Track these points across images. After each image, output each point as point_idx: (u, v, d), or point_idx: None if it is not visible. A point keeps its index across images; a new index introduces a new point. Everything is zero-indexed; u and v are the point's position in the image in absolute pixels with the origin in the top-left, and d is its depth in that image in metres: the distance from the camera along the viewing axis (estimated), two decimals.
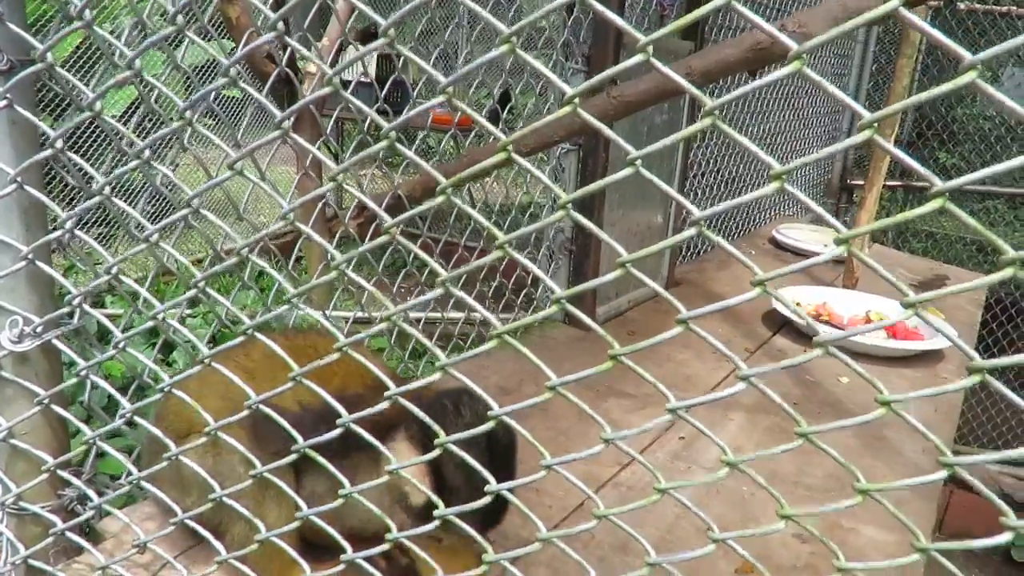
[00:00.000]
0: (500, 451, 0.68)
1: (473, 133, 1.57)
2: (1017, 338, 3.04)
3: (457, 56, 3.38)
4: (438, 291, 0.53)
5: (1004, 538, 0.44)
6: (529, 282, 1.62)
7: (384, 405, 0.54)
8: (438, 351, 0.55)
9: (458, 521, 0.55)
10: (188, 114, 0.55)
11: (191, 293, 0.58)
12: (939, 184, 0.40)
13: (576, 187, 1.44)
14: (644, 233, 1.70)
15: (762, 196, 0.44)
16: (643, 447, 1.11)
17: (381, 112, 1.30)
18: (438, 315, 1.55)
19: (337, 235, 1.12)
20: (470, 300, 0.55)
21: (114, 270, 0.61)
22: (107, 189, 0.59)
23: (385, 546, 0.60)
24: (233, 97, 3.60)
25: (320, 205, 1.11)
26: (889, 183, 3.39)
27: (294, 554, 0.64)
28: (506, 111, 1.59)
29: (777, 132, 2.67)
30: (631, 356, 0.50)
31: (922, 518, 1.01)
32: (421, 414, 0.54)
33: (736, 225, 2.62)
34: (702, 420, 0.52)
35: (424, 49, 3.20)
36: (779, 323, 1.63)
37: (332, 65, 1.33)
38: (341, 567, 0.62)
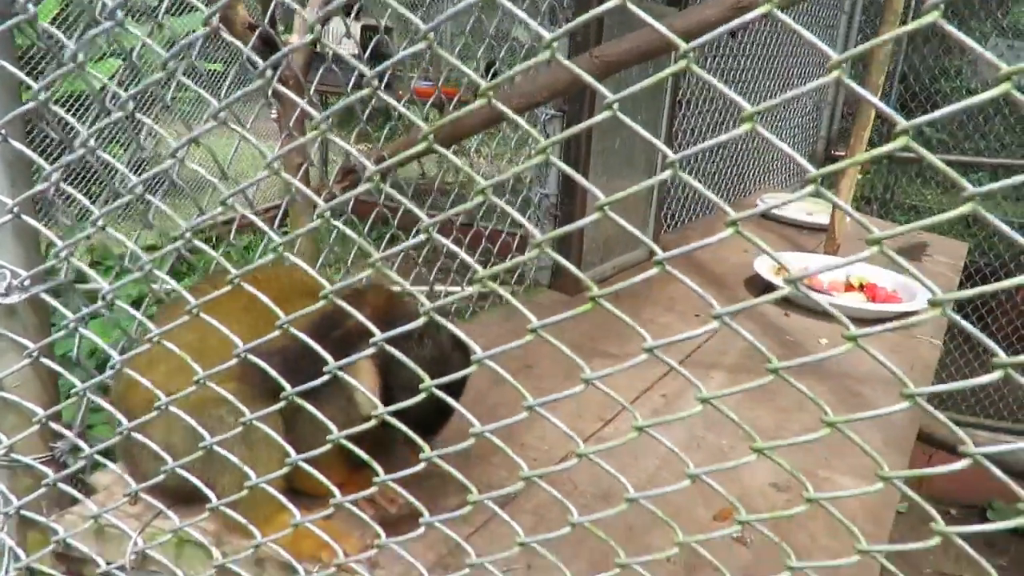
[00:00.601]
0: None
1: (455, 101, 1.57)
2: (996, 306, 3.10)
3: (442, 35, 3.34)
4: (421, 237, 0.54)
5: (962, 464, 0.46)
6: (515, 248, 1.63)
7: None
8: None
9: (395, 421, 0.58)
10: (171, 64, 0.55)
11: (179, 243, 0.59)
12: (903, 123, 0.41)
13: (561, 153, 1.45)
14: (628, 200, 1.71)
15: (737, 136, 0.45)
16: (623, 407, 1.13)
17: (361, 85, 1.29)
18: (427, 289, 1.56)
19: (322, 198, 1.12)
20: (451, 245, 0.56)
21: (100, 222, 0.61)
22: (91, 141, 0.59)
23: (373, 489, 0.62)
24: (215, 72, 3.56)
25: (303, 171, 1.11)
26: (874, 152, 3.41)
27: (283, 500, 0.66)
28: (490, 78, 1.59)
29: (762, 101, 2.68)
30: (599, 318, 0.51)
31: (895, 469, 1.04)
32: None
33: (720, 194, 2.64)
34: (682, 380, 0.53)
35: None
36: (760, 288, 1.66)
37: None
38: (331, 511, 0.64)
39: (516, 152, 2.20)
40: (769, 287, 1.61)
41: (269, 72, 0.54)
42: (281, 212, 1.12)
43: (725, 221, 0.47)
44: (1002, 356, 0.42)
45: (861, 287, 1.63)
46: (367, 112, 1.19)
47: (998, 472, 0.46)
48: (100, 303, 0.66)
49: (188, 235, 0.60)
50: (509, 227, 1.64)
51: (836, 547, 0.82)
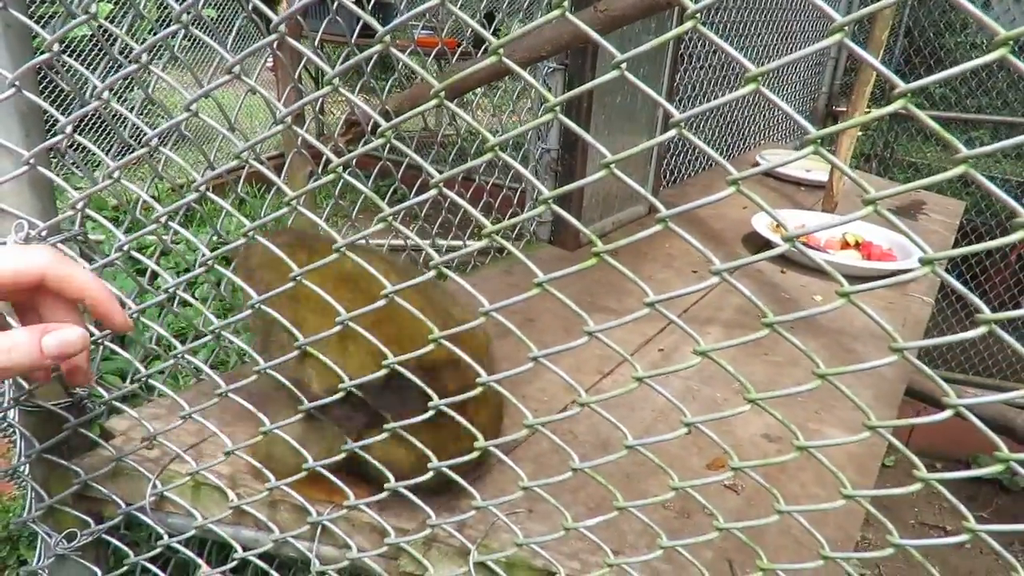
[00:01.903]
0: None
1: (458, 53, 1.56)
2: (989, 265, 3.13)
3: None
4: (432, 192, 0.55)
5: (946, 415, 0.48)
6: (515, 203, 1.64)
7: None
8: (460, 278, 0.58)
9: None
10: (185, 17, 0.56)
11: (192, 196, 0.60)
12: (902, 85, 0.42)
13: (561, 110, 1.45)
14: (629, 157, 1.71)
15: (740, 97, 0.46)
16: (623, 359, 1.16)
17: (365, 35, 1.28)
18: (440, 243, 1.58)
19: (324, 159, 1.13)
20: (461, 201, 0.57)
21: (115, 175, 0.63)
22: (105, 93, 0.60)
23: (384, 436, 0.65)
24: (211, 19, 3.50)
25: (307, 123, 1.12)
26: (874, 109, 3.39)
27: (297, 446, 0.68)
28: (492, 31, 1.58)
29: (764, 57, 2.65)
30: (599, 275, 0.53)
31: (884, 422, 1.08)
32: None
33: (721, 151, 2.63)
34: (679, 334, 0.55)
35: None
36: (758, 245, 1.68)
37: None
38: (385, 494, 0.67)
39: (517, 104, 2.19)
40: (767, 244, 1.63)
41: (283, 27, 0.55)
42: (286, 164, 1.13)
43: (727, 179, 0.48)
44: (986, 312, 0.44)
45: (857, 245, 1.65)
46: (371, 65, 1.19)
47: (978, 423, 0.48)
48: (116, 254, 0.68)
49: (203, 188, 0.61)
50: (510, 182, 1.65)
51: (824, 496, 0.86)
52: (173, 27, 0.55)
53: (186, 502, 0.75)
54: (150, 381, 0.71)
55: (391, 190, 1.39)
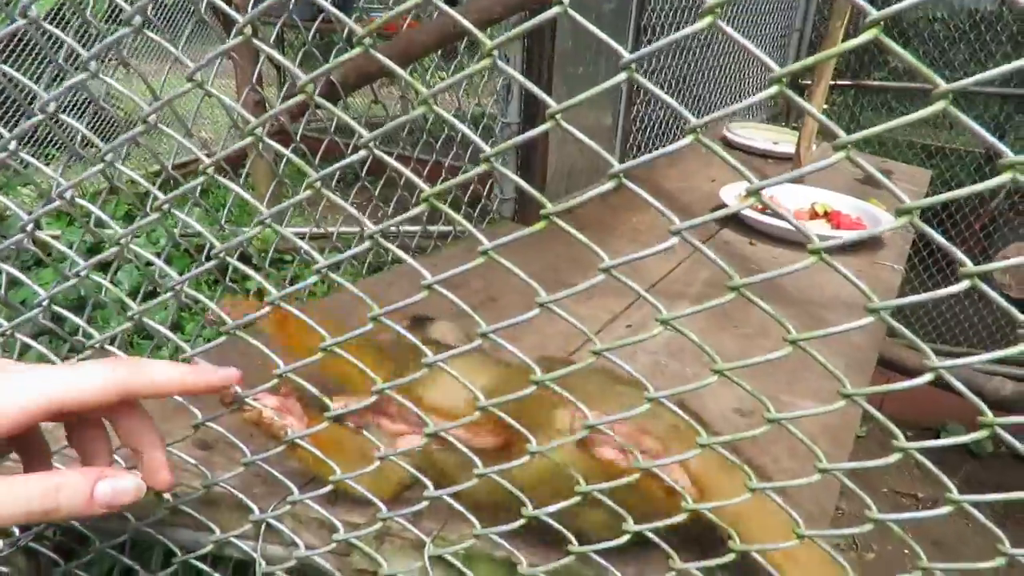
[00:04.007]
0: None
1: (405, 27, 1.49)
2: (956, 234, 3.14)
3: None
4: (362, 153, 0.50)
5: (926, 378, 0.45)
6: (485, 193, 1.59)
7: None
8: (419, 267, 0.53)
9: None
10: (137, 20, 0.50)
11: (154, 216, 0.55)
12: (874, 13, 0.38)
13: (522, 75, 1.39)
14: (593, 131, 1.67)
15: (697, 32, 0.41)
16: (589, 337, 1.12)
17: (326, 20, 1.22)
18: (394, 230, 1.52)
19: (268, 126, 1.07)
20: (391, 161, 0.52)
21: (68, 194, 0.57)
22: (52, 106, 0.54)
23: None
24: (167, 4, 3.36)
25: (246, 94, 1.05)
26: (840, 83, 3.38)
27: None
28: None
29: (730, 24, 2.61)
30: (564, 249, 0.48)
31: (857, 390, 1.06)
32: None
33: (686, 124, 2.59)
34: (648, 309, 0.51)
35: None
36: (728, 217, 1.65)
37: None
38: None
39: (477, 84, 2.12)
40: (736, 217, 1.60)
41: (248, 29, 0.49)
42: (225, 153, 1.06)
43: (686, 128, 0.44)
44: (969, 265, 0.40)
45: (825, 215, 1.62)
46: (309, 37, 1.12)
47: (959, 386, 0.45)
48: (22, 234, 0.62)
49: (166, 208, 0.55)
50: (470, 160, 1.59)
51: (797, 469, 0.83)
52: (122, 31, 0.49)
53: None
54: None
55: (356, 185, 1.33)
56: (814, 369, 1.03)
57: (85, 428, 0.51)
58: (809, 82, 2.98)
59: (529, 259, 1.20)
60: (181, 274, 0.56)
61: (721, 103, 2.85)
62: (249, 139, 0.51)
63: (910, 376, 0.45)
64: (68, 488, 0.45)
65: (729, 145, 2.26)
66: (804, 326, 0.47)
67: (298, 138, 1.08)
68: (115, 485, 0.46)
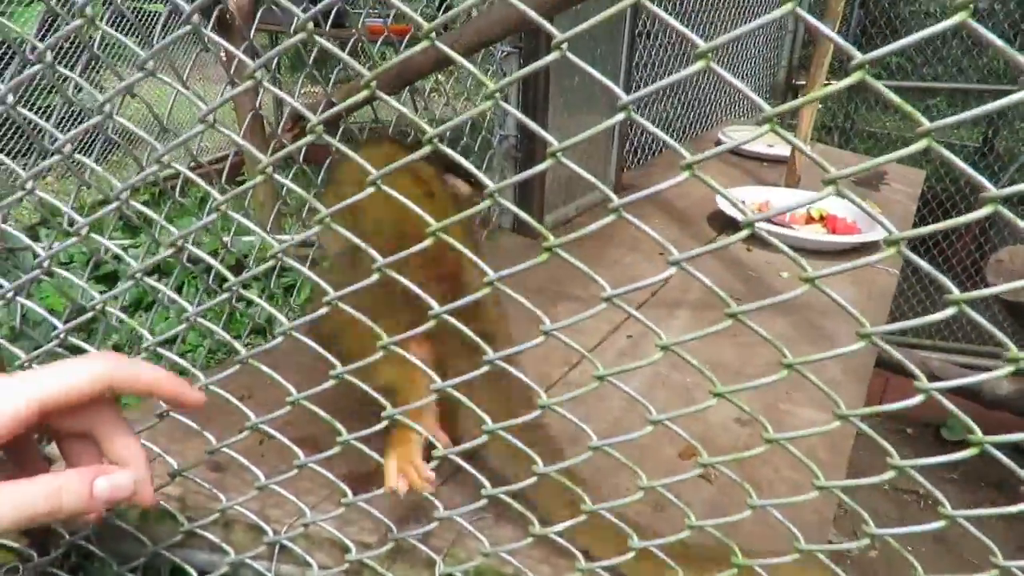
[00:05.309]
0: None
1: (406, 39, 1.51)
2: (952, 231, 3.16)
3: None
4: (310, 138, 0.52)
5: (916, 400, 0.46)
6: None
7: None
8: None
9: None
10: (88, 11, 0.51)
11: (114, 205, 0.56)
12: (859, 56, 0.40)
13: (518, 92, 1.41)
14: (591, 138, 1.68)
15: (690, 75, 0.43)
16: (592, 347, 1.14)
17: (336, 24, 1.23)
18: None
19: (272, 147, 1.08)
20: (347, 151, 0.54)
21: (29, 184, 0.58)
22: (10, 97, 0.55)
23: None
24: (151, 12, 3.37)
25: (248, 120, 1.07)
26: (833, 82, 3.40)
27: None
28: (442, 7, 1.53)
29: (724, 31, 2.63)
30: (571, 257, 0.50)
31: (855, 399, 1.07)
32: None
33: (683, 128, 2.61)
34: (648, 319, 0.52)
35: None
36: (724, 223, 1.66)
37: None
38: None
39: (476, 91, 2.14)
40: (732, 222, 1.61)
41: (196, 17, 0.50)
42: (228, 164, 1.08)
43: (680, 164, 0.45)
44: (955, 292, 0.42)
45: (821, 219, 1.64)
46: (313, 55, 1.14)
47: (951, 407, 0.46)
48: (37, 270, 0.63)
49: (124, 196, 0.57)
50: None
51: (798, 479, 0.85)
52: (76, 22, 0.50)
53: (133, 528, 0.71)
54: None
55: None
56: (813, 373, 1.05)
57: (73, 442, 0.51)
58: (804, 83, 3.00)
59: (532, 270, 1.22)
60: (180, 285, 0.58)
61: (717, 106, 2.87)
62: (200, 127, 0.52)
63: (908, 377, 0.46)
64: (69, 488, 0.46)
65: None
66: (801, 335, 0.49)
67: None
68: (112, 481, 0.47)
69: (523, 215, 0.52)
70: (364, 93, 0.48)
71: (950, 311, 0.43)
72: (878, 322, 1.31)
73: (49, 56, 0.53)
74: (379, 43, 1.40)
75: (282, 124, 1.14)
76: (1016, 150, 3.44)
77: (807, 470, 0.54)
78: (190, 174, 0.54)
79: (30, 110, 0.60)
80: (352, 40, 1.15)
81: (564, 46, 0.44)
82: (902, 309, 3.22)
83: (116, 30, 0.57)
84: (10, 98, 0.55)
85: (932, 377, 0.45)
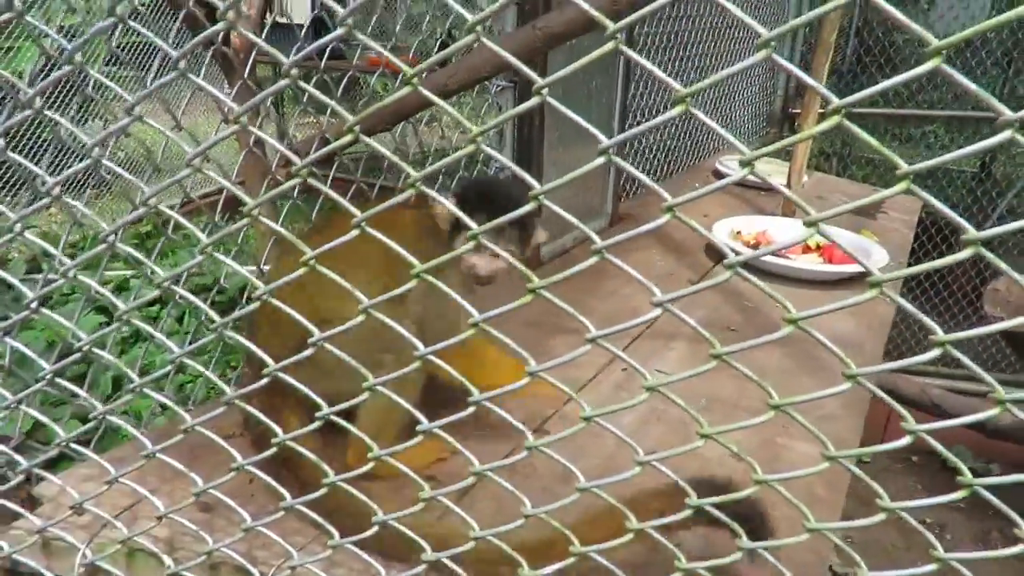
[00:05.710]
0: None
1: (402, 75, 1.53)
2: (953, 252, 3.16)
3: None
4: (295, 181, 0.52)
5: (904, 442, 0.46)
6: None
7: None
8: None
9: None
10: (78, 57, 0.52)
11: (101, 247, 0.56)
12: (836, 101, 0.40)
13: (513, 126, 1.42)
14: (585, 172, 1.70)
15: (668, 119, 0.43)
16: (587, 381, 1.13)
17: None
18: None
19: (265, 185, 1.09)
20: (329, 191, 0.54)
21: (17, 227, 0.58)
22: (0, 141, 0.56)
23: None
24: (141, 44, 3.37)
25: (244, 155, 1.07)
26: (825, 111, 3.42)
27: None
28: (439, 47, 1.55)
29: (709, 66, 2.64)
30: (560, 291, 0.50)
31: (851, 432, 1.06)
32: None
33: (679, 159, 2.63)
34: (644, 351, 0.53)
35: None
36: (721, 254, 1.66)
37: (262, 8, 1.27)
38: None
39: (477, 120, 2.16)
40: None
41: (183, 64, 0.51)
42: (223, 197, 1.08)
43: (661, 207, 0.46)
44: (939, 333, 0.42)
45: (818, 248, 1.64)
46: (307, 94, 1.15)
47: (945, 452, 0.46)
48: (26, 311, 0.63)
49: (112, 239, 0.57)
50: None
51: (794, 515, 0.83)
52: (65, 68, 0.51)
53: (120, 570, 0.70)
54: (72, 445, 0.67)
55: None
56: (810, 408, 1.03)
57: None
58: (799, 111, 3.02)
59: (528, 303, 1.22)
60: (181, 314, 0.58)
61: (715, 135, 2.88)
62: (187, 171, 0.52)
63: (906, 404, 0.46)
64: None
65: (721, 177, 2.28)
66: (798, 365, 0.48)
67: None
68: None
69: (516, 263, 0.52)
70: (348, 137, 0.49)
71: (934, 352, 0.43)
72: (876, 353, 1.31)
73: (39, 102, 0.54)
74: (376, 75, 1.42)
75: (275, 162, 1.15)
76: (1014, 175, 3.46)
77: (804, 500, 0.53)
78: (176, 216, 0.55)
79: (26, 143, 0.61)
80: (347, 74, 1.16)
81: (545, 91, 0.45)
82: (904, 336, 3.20)
83: (116, 63, 0.58)
84: (0, 142, 0.56)
85: (932, 406, 0.45)
